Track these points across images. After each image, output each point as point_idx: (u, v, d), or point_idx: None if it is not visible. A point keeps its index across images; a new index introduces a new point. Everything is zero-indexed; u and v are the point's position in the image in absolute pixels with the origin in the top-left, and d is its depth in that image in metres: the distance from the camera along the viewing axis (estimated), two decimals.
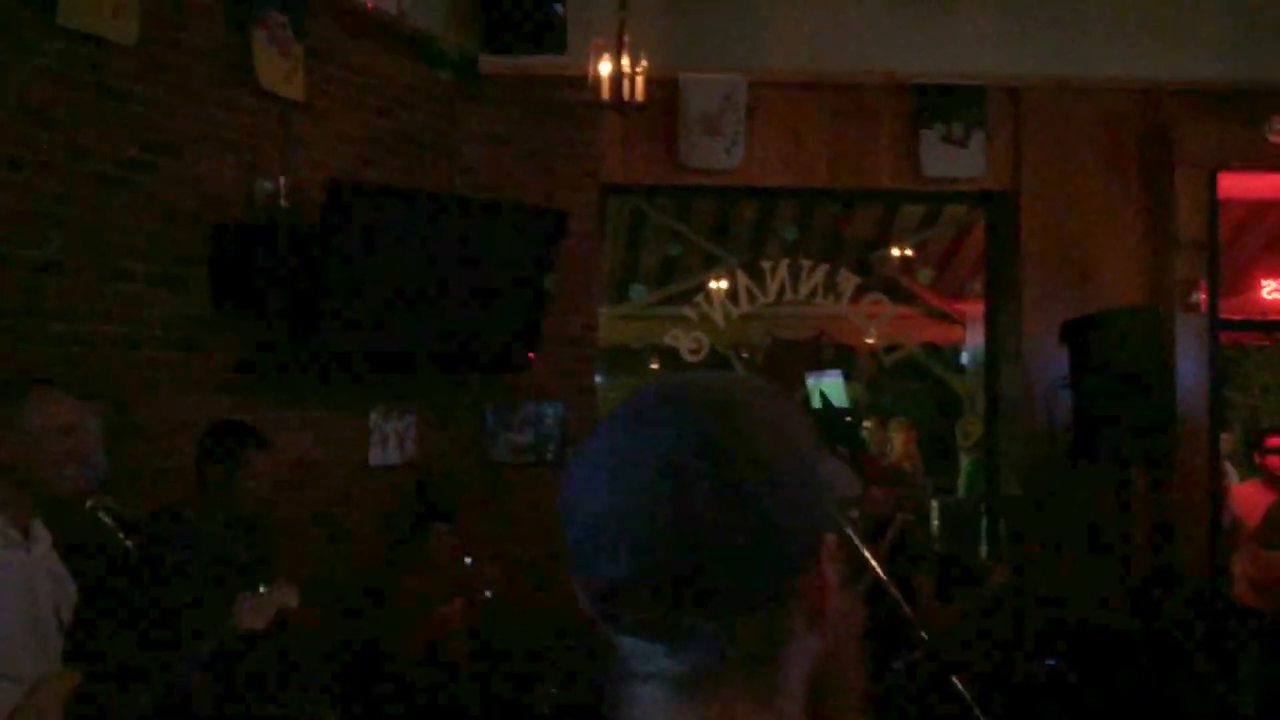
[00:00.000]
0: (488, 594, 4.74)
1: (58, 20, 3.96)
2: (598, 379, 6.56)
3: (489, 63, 6.04)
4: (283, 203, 4.92)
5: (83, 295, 4.15)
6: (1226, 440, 6.47)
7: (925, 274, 7.63)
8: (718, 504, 0.85)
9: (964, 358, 8.30)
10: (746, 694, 0.88)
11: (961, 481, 9.01)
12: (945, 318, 7.73)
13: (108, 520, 2.66)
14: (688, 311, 6.95)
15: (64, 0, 3.96)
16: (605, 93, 4.90)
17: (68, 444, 2.63)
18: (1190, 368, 6.13)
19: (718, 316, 6.91)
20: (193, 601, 2.92)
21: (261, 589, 2.99)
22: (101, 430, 4.00)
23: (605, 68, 4.91)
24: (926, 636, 3.12)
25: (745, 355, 11.38)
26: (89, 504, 2.67)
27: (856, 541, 2.74)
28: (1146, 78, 6.33)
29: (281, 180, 4.93)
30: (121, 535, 2.64)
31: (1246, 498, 6.38)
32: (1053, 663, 5.40)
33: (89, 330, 4.18)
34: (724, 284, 7.14)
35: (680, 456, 0.86)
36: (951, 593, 5.16)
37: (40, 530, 2.68)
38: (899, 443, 9.33)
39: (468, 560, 4.72)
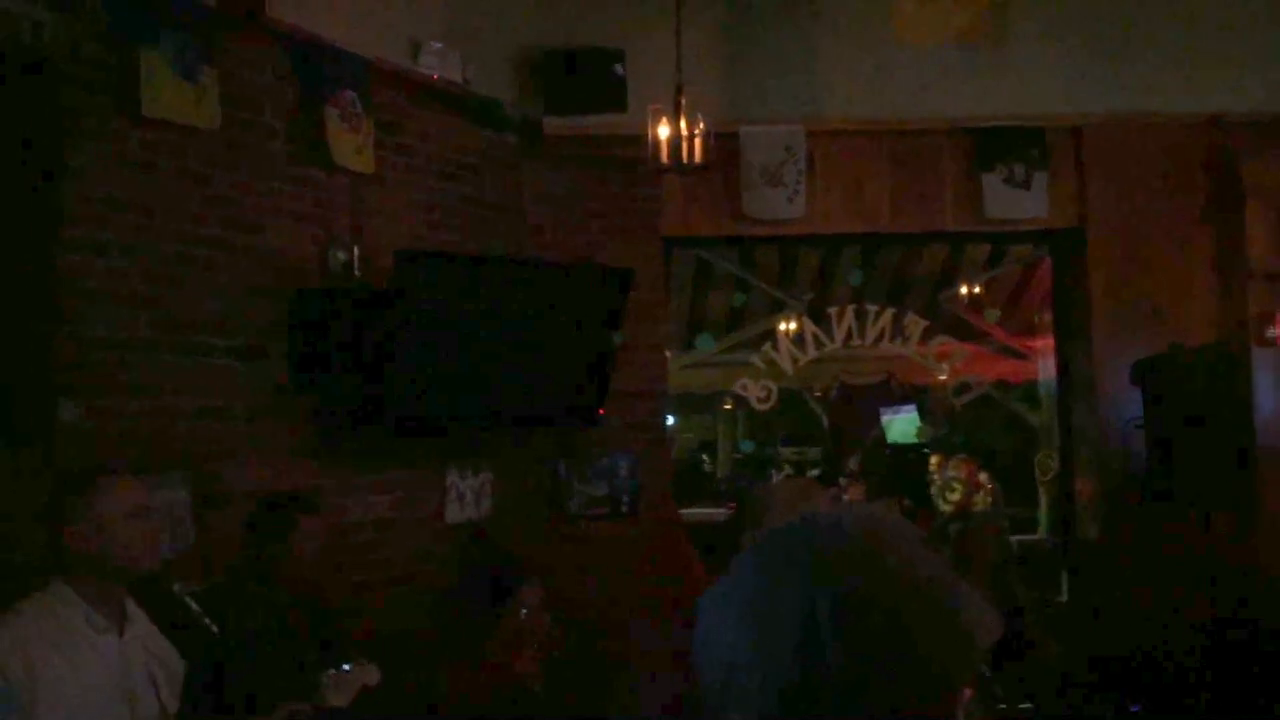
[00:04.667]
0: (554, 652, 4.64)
1: (142, 113, 4.16)
2: (669, 419, 6.62)
3: (552, 124, 6.18)
4: (356, 271, 5.09)
5: (166, 372, 4.33)
6: None
7: (992, 314, 7.60)
8: (852, 659, 0.89)
9: (1040, 390, 8.21)
10: None
11: (1043, 518, 8.88)
12: (1015, 354, 7.67)
13: (193, 605, 2.77)
14: (755, 359, 6.99)
15: (148, 94, 4.15)
16: (664, 156, 5.00)
17: (138, 527, 2.72)
18: (1269, 404, 6.01)
19: (785, 363, 6.95)
20: (269, 677, 3.01)
21: (345, 666, 3.07)
22: (186, 502, 4.19)
23: (664, 131, 5.01)
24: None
25: (818, 394, 11.39)
26: (175, 588, 2.78)
27: None
28: (1210, 109, 6.27)
29: (355, 250, 5.10)
30: (207, 621, 2.75)
31: None
32: (1136, 709, 5.31)
33: (173, 405, 4.35)
34: (792, 325, 7.18)
35: (815, 610, 0.89)
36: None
37: (135, 612, 2.79)
38: (961, 481, 9.20)
39: (523, 611, 4.55)
